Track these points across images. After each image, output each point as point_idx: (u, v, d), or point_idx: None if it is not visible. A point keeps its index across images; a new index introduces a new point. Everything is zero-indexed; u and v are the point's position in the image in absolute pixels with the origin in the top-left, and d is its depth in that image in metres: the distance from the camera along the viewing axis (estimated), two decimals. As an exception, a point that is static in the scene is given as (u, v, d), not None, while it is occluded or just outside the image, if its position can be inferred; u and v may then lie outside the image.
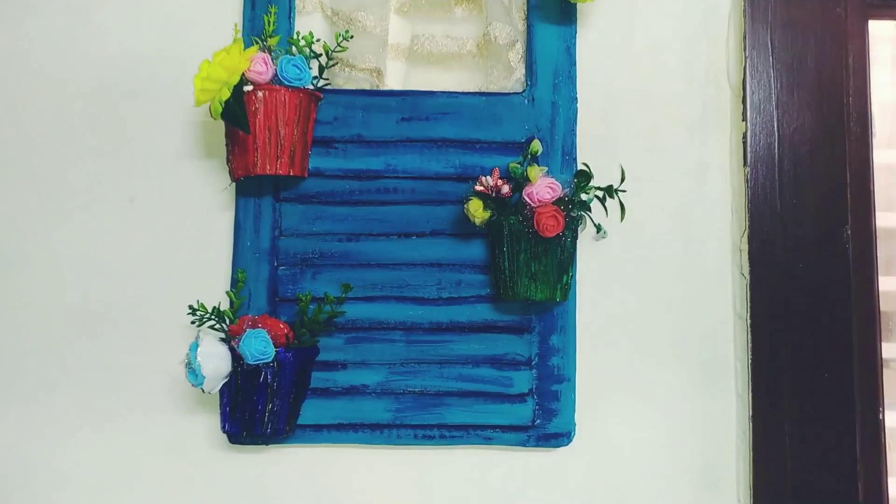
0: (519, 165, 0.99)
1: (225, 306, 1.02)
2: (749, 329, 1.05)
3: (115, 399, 1.05)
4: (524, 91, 1.05)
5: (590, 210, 0.99)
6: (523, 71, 1.07)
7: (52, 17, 1.12)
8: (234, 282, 1.03)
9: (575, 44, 1.08)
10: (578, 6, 1.09)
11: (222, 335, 0.98)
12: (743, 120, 1.11)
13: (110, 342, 1.05)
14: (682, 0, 1.13)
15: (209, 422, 1.04)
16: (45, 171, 1.10)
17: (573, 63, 1.08)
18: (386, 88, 1.08)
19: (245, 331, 0.92)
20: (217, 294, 1.05)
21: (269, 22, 1.03)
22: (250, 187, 1.05)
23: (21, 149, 1.10)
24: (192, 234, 1.07)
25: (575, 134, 1.06)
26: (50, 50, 1.11)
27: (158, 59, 1.11)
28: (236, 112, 0.96)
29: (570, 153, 1.07)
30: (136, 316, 1.06)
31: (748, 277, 1.07)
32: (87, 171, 1.08)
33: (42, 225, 1.08)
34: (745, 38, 1.12)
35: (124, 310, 1.06)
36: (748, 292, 1.05)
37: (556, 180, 0.97)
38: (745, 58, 1.12)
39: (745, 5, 1.12)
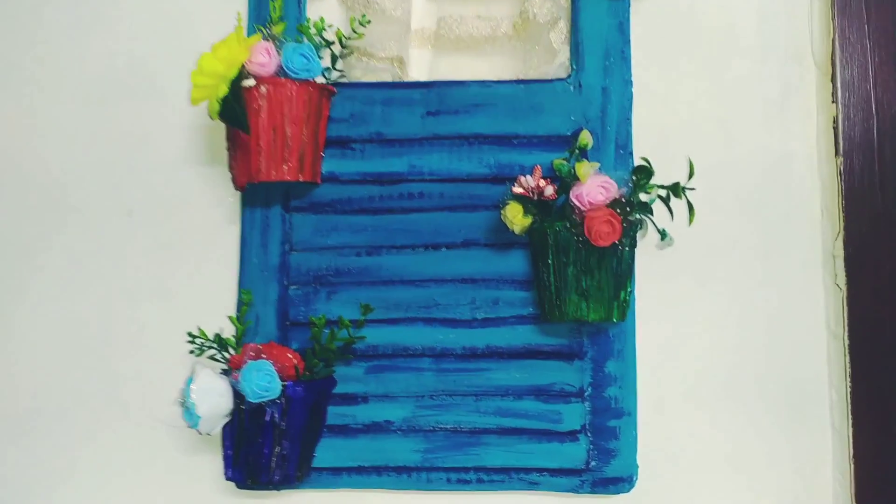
0: (565, 162, 0.84)
1: (229, 332, 0.89)
2: (846, 350, 0.90)
3: (110, 436, 0.96)
4: (569, 76, 0.94)
5: (651, 213, 0.84)
6: (568, 53, 0.96)
7: (42, 13, 1.02)
8: (240, 304, 0.91)
9: (628, 19, 0.95)
10: (632, -25, 0.94)
11: (224, 366, 0.85)
12: (833, 101, 0.95)
13: (105, 372, 0.97)
14: (754, -36, 0.96)
15: (215, 463, 0.92)
16: (37, 181, 1.00)
17: (627, 42, 0.94)
18: (409, 80, 0.98)
19: (246, 362, 0.80)
20: (222, 318, 0.93)
21: (274, 7, 0.91)
22: (257, 197, 0.94)
23: (8, 156, 1.00)
24: (195, 251, 0.98)
25: (630, 124, 0.93)
26: (41, 48, 1.02)
27: (158, 55, 1.01)
28: (235, 110, 0.84)
29: (624, 146, 0.92)
30: (134, 343, 0.97)
31: (844, 289, 0.91)
32: (83, 181, 1.00)
33: (32, 241, 0.99)
34: (833, 4, 0.95)
35: (120, 336, 0.97)
36: (845, 307, 0.91)
37: (611, 178, 0.81)
38: (834, 28, 0.95)
39: (831, -34, 0.95)
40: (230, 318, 0.89)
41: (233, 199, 0.96)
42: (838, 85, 0.94)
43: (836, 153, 0.93)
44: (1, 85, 1.01)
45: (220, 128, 0.94)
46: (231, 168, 0.91)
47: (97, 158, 1.00)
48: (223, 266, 0.96)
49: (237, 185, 0.90)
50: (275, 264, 0.94)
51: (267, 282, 0.93)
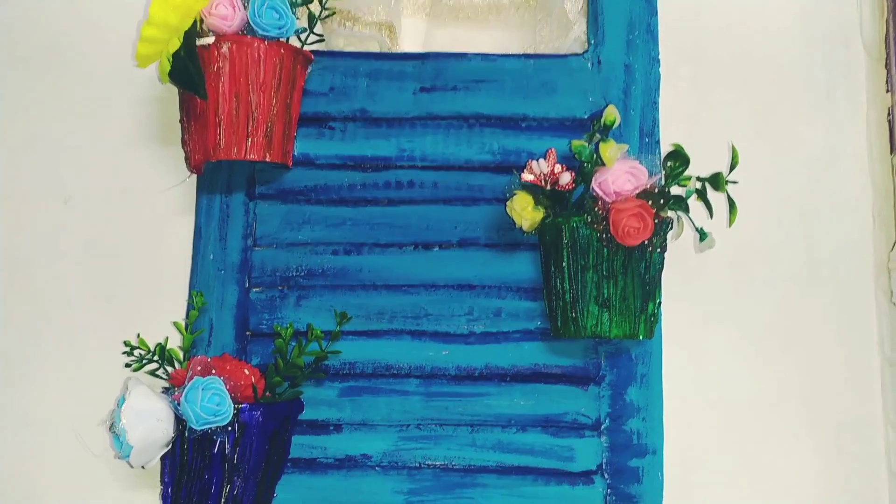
0: (584, 143, 0.70)
1: (176, 342, 0.74)
2: None
3: (28, 463, 0.82)
4: (587, 51, 0.84)
5: (687, 208, 0.70)
6: (584, 25, 0.86)
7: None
8: (190, 308, 0.76)
9: (655, -12, 0.83)
10: (660, -62, 0.82)
11: (165, 384, 0.70)
12: (888, 91, 0.85)
13: (28, 384, 0.83)
14: (795, -70, 0.86)
15: (152, 503, 0.76)
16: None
17: (654, 13, 0.84)
18: (400, 51, 0.87)
19: (191, 379, 0.64)
20: (169, 325, 0.78)
21: (242, -42, 0.77)
22: (216, 181, 0.82)
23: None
24: (140, 244, 0.86)
25: (657, 108, 0.84)
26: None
27: (102, 10, 0.88)
28: (189, 70, 0.70)
29: (650, 133, 0.81)
30: (63, 352, 0.84)
31: (903, 307, 0.78)
32: (10, 161, 0.87)
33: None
34: (886, -20, 0.83)
35: (48, 343, 0.84)
36: None
37: (641, 163, 0.68)
38: (888, 7, 0.84)
39: (884, -64, 0.84)
40: (175, 324, 0.74)
41: (186, 182, 0.82)
42: (893, 71, 0.84)
43: (892, 150, 0.83)
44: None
45: (173, 100, 0.80)
46: (184, 144, 0.77)
47: (28, 134, 0.86)
48: (173, 263, 0.83)
49: (191, 164, 0.76)
50: (234, 262, 0.81)
51: (224, 283, 0.80)
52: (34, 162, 0.86)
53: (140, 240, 0.84)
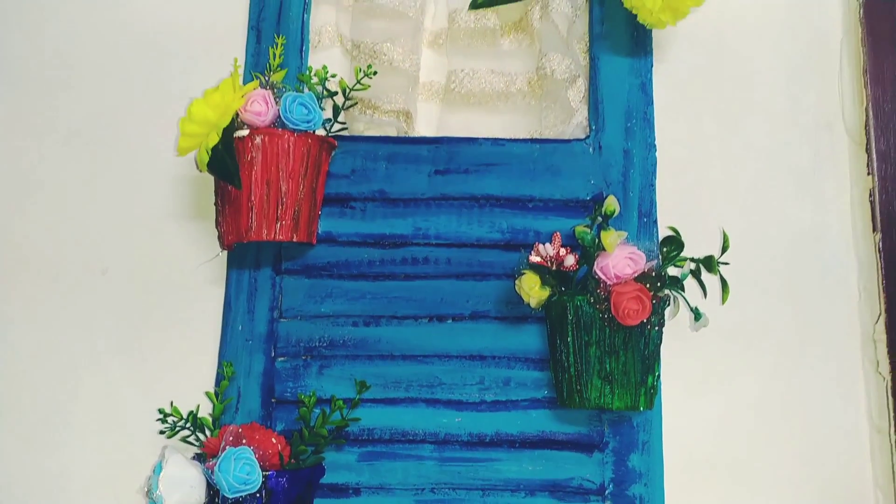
0: (587, 230, 0.76)
1: (206, 410, 0.79)
2: (893, 448, 0.81)
3: None
4: (588, 137, 0.88)
5: (683, 289, 0.76)
6: (586, 112, 0.91)
7: (25, 55, 0.95)
8: (220, 378, 0.81)
9: (651, 79, 0.90)
10: (654, 34, 0.89)
11: (198, 450, 0.75)
12: (868, 173, 0.88)
13: (67, 449, 0.86)
14: (780, 24, 0.94)
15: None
16: (2, 234, 0.90)
17: (650, 102, 0.89)
18: (416, 135, 0.92)
19: (223, 449, 0.69)
20: (199, 392, 0.83)
21: (274, 55, 0.84)
22: (246, 256, 0.86)
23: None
24: (173, 315, 0.89)
25: (654, 190, 0.87)
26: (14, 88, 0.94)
27: (144, 100, 0.94)
28: (226, 162, 0.76)
29: (648, 214, 0.85)
30: (99, 418, 0.87)
31: (888, 378, 0.83)
32: (52, 234, 0.91)
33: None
34: (865, 71, 0.90)
35: (84, 410, 0.87)
36: (889, 398, 0.83)
37: (639, 249, 0.73)
38: (868, 97, 0.90)
39: (863, 32, 0.91)
40: (208, 394, 0.79)
41: (217, 258, 0.87)
42: (874, 156, 0.89)
43: (874, 229, 0.87)
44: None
45: (207, 179, 0.86)
46: (218, 225, 0.82)
47: (70, 209, 0.91)
48: (203, 333, 0.87)
49: (224, 244, 0.82)
50: (261, 333, 0.84)
51: (252, 352, 0.84)
52: (75, 234, 0.90)
53: (172, 309, 0.88)
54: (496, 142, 0.88)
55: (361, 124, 0.92)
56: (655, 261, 0.76)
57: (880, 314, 0.85)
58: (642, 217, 0.86)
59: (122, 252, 0.90)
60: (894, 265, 0.86)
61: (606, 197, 0.78)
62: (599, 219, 0.78)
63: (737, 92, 0.92)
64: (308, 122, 0.80)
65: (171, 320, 0.88)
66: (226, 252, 0.86)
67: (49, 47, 0.95)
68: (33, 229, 0.91)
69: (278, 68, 0.84)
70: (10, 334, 0.88)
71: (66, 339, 0.88)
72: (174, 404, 0.78)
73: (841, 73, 0.92)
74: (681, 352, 0.83)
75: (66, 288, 0.89)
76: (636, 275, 0.73)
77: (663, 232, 0.84)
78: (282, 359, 0.84)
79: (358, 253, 0.86)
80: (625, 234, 0.75)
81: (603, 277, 0.74)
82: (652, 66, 0.89)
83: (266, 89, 0.80)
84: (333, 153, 0.86)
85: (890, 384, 0.83)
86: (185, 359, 0.86)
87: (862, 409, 0.85)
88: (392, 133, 0.91)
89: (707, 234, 0.83)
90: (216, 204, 0.83)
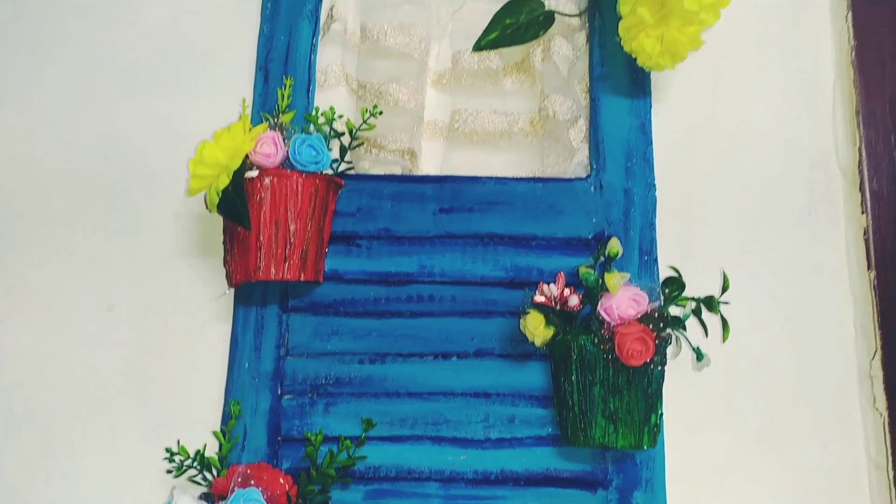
0: (591, 270, 0.78)
1: (213, 449, 0.79)
2: (891, 483, 0.81)
3: None
4: (589, 176, 0.90)
5: (685, 329, 0.77)
6: (587, 152, 0.92)
7: (35, 92, 0.96)
8: (226, 416, 0.81)
9: (650, 120, 0.92)
10: (653, 75, 0.92)
11: (205, 489, 0.75)
12: (862, 213, 0.90)
13: (71, 487, 0.86)
14: (775, 67, 0.96)
15: None
16: (7, 268, 0.91)
17: (649, 142, 0.91)
18: (420, 173, 0.93)
19: (233, 490, 0.70)
20: (206, 430, 0.83)
21: (282, 96, 0.86)
22: (252, 294, 0.87)
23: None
24: (180, 352, 0.90)
25: (654, 229, 0.89)
26: (22, 127, 0.95)
27: (152, 139, 0.95)
28: (235, 204, 0.77)
29: (649, 252, 0.87)
30: (105, 457, 0.87)
31: (885, 414, 0.84)
32: (59, 271, 0.91)
33: (2, 338, 0.89)
34: (857, 113, 0.92)
35: (89, 448, 0.87)
36: (887, 433, 0.83)
37: (642, 290, 0.75)
38: (860, 137, 0.92)
39: (854, 74, 0.93)
40: (215, 433, 0.79)
41: (225, 295, 0.88)
42: (867, 195, 0.91)
43: (869, 267, 0.89)
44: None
45: (215, 216, 0.86)
46: (226, 263, 0.83)
47: (77, 245, 0.92)
48: (210, 370, 0.87)
49: (232, 282, 0.82)
50: (268, 370, 0.85)
51: (258, 390, 0.84)
52: (81, 271, 0.91)
53: (179, 346, 0.88)
54: (499, 180, 0.89)
55: (367, 162, 0.93)
56: (658, 301, 0.77)
57: (876, 351, 0.87)
58: (643, 255, 0.87)
59: (129, 288, 0.90)
60: (889, 303, 0.88)
61: (608, 236, 0.80)
62: (602, 258, 0.80)
63: (734, 132, 0.94)
64: (316, 163, 0.81)
65: (178, 357, 0.88)
66: (232, 289, 0.87)
67: (57, 82, 0.96)
68: (40, 264, 0.91)
69: (286, 109, 0.86)
70: (16, 369, 0.88)
71: (73, 375, 0.88)
72: (181, 443, 0.78)
73: (834, 114, 0.95)
74: (682, 389, 0.83)
75: (72, 323, 0.90)
76: (639, 315, 0.75)
77: (664, 269, 0.86)
78: (288, 396, 0.84)
79: (364, 291, 0.86)
80: (627, 275, 0.76)
81: (607, 318, 0.75)
82: (651, 106, 0.91)
83: (275, 131, 0.82)
84: (340, 192, 0.88)
85: (887, 420, 0.84)
86: (192, 396, 0.86)
87: (860, 445, 0.86)
88: (397, 171, 0.92)
89: (706, 271, 0.84)
90: (224, 243, 0.84)
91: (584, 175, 0.90)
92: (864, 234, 0.90)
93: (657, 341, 0.75)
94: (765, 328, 0.88)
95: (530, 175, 0.93)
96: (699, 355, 0.77)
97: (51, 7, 0.98)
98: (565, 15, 0.93)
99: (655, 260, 0.87)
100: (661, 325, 0.75)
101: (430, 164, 0.94)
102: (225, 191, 0.77)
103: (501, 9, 0.92)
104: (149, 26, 0.97)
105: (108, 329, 0.90)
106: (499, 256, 0.87)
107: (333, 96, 0.95)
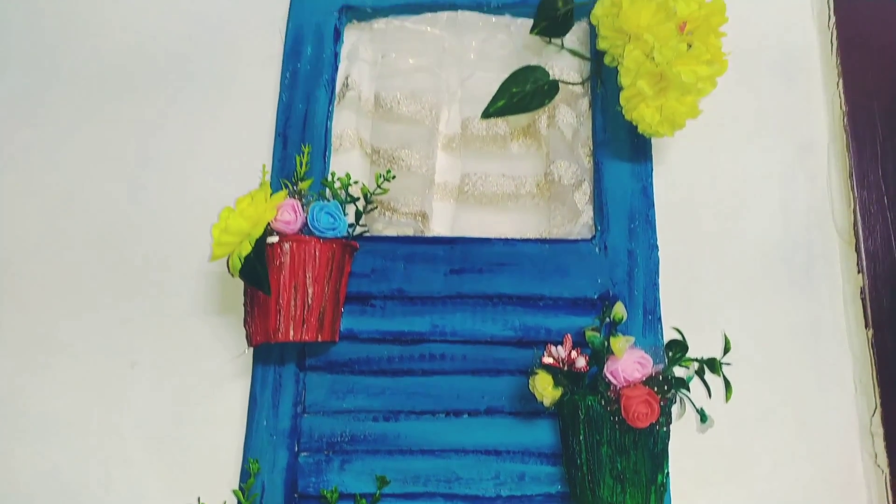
0: (596, 333, 0.81)
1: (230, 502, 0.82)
2: None
3: None
4: (594, 237, 0.92)
5: (689, 390, 0.80)
6: (591, 213, 0.95)
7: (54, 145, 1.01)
8: (245, 474, 0.84)
9: (651, 183, 0.95)
10: (654, 140, 0.96)
11: (224, 548, 0.77)
12: (859, 272, 0.93)
13: None
14: (771, 131, 1.00)
15: None
16: (33, 327, 0.94)
17: (651, 205, 0.94)
18: (431, 234, 0.97)
19: (253, 549, 0.72)
20: (224, 485, 0.86)
21: (300, 163, 0.90)
22: (271, 353, 0.90)
23: (7, 299, 0.95)
24: (200, 410, 0.92)
25: (657, 288, 0.91)
26: (51, 188, 0.99)
27: (172, 199, 0.99)
28: (257, 270, 0.80)
29: (653, 311, 0.90)
30: None
31: (886, 471, 0.86)
32: (82, 329, 0.95)
33: (26, 396, 0.92)
34: (851, 175, 0.96)
35: (113, 501, 0.89)
36: (888, 490, 0.85)
37: (646, 352, 0.78)
38: (854, 199, 0.95)
39: (847, 138, 0.97)
40: (234, 491, 0.82)
41: (244, 354, 0.91)
42: (863, 255, 0.94)
43: (866, 325, 0.92)
44: (4, 223, 0.98)
45: (233, 276, 0.90)
46: (246, 325, 0.86)
47: (101, 303, 0.95)
48: (229, 428, 0.89)
49: (252, 342, 0.86)
50: (285, 428, 0.87)
51: (276, 447, 0.87)
52: (106, 329, 0.94)
53: (199, 404, 0.90)
54: (507, 242, 0.92)
55: (381, 224, 0.96)
56: (662, 363, 0.80)
57: (876, 407, 0.89)
58: (647, 314, 0.90)
59: (151, 346, 0.93)
60: (887, 360, 0.90)
61: (613, 296, 0.83)
62: (608, 320, 0.83)
63: (733, 194, 0.97)
64: (333, 229, 0.85)
65: (198, 415, 0.90)
66: (251, 348, 0.90)
67: (85, 148, 1.01)
68: (66, 322, 0.94)
69: (305, 176, 0.90)
70: (40, 426, 0.91)
71: (95, 432, 0.91)
72: (201, 500, 0.81)
73: (829, 177, 0.99)
74: (687, 448, 0.85)
75: (96, 380, 0.92)
76: (644, 378, 0.78)
77: (667, 327, 0.89)
78: (305, 454, 0.86)
79: (378, 350, 0.89)
80: (632, 339, 0.79)
81: (613, 381, 0.78)
82: (652, 170, 0.95)
83: (294, 198, 0.86)
84: (355, 254, 0.91)
85: (888, 477, 0.86)
86: (211, 453, 0.88)
87: (863, 502, 0.88)
88: (409, 232, 0.95)
89: (708, 330, 0.88)
90: (245, 304, 0.87)
91: (589, 236, 0.93)
92: (861, 293, 0.93)
93: (662, 403, 0.78)
94: (767, 386, 0.90)
95: (537, 236, 0.96)
96: (703, 417, 0.80)
97: (76, 82, 1.03)
98: (569, 83, 0.98)
99: (659, 319, 0.90)
100: (666, 387, 0.78)
101: (440, 224, 0.98)
102: (247, 257, 0.80)
103: (508, 78, 0.97)
104: (173, 93, 1.02)
105: (131, 386, 0.92)
106: (508, 316, 0.89)
107: (348, 159, 1.00)
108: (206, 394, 0.91)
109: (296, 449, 0.87)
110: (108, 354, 0.94)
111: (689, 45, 0.85)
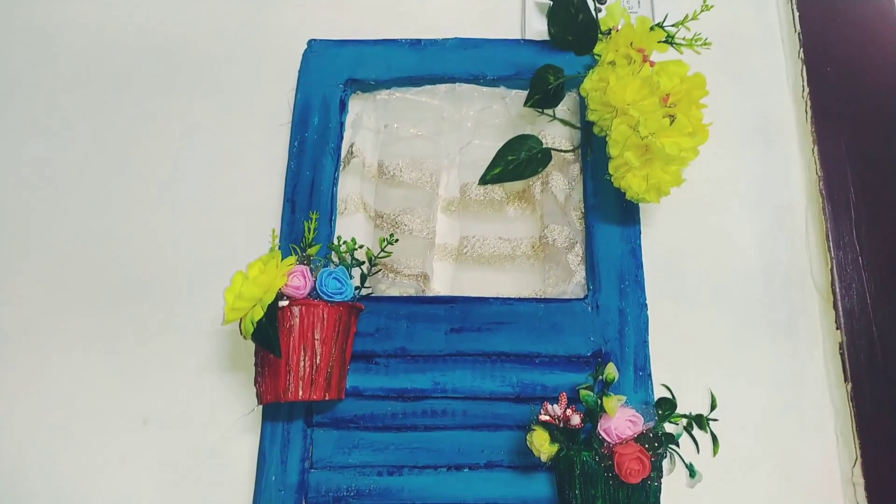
0: (591, 393, 0.85)
1: (243, 559, 0.85)
2: None
3: None
4: (587, 297, 0.97)
5: (678, 445, 0.84)
6: (584, 273, 0.99)
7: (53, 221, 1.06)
8: (256, 529, 0.87)
9: (640, 245, 1.00)
10: (641, 205, 1.01)
11: None
12: (837, 328, 0.98)
13: None
14: (751, 195, 1.06)
15: None
16: (44, 384, 0.98)
17: (640, 266, 0.99)
18: (432, 293, 1.01)
19: None
20: (233, 540, 0.89)
21: (308, 229, 0.95)
22: (279, 410, 0.94)
23: (15, 356, 0.99)
24: (210, 465, 0.95)
25: (647, 346, 0.95)
26: (61, 242, 1.04)
27: (185, 259, 1.04)
28: (268, 334, 0.85)
29: (643, 368, 0.94)
30: None
31: (869, 520, 0.89)
32: (96, 385, 0.98)
33: (38, 453, 0.95)
34: (827, 237, 1.02)
35: None
36: None
37: (637, 411, 0.83)
38: (831, 259, 1.01)
39: (823, 202, 1.03)
40: (245, 548, 0.85)
41: (254, 411, 0.95)
42: (840, 312, 0.99)
43: (846, 379, 0.96)
44: (4, 287, 1.03)
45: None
46: (257, 383, 0.91)
47: (114, 360, 0.99)
48: (238, 483, 0.93)
49: (262, 401, 0.90)
50: (293, 483, 0.91)
51: (284, 502, 0.90)
52: (119, 387, 0.97)
53: (209, 459, 0.94)
54: (505, 301, 0.97)
55: (384, 284, 1.01)
56: (652, 420, 0.85)
57: (857, 458, 0.93)
58: (637, 371, 0.94)
59: (163, 403, 0.97)
60: (866, 413, 0.95)
61: (605, 353, 0.87)
62: (601, 380, 0.88)
63: (716, 254, 1.02)
64: (341, 293, 0.90)
65: (208, 470, 0.94)
66: (260, 405, 0.94)
67: (101, 203, 1.06)
68: (77, 380, 0.98)
69: (313, 242, 0.95)
70: (53, 481, 0.94)
71: (108, 488, 0.94)
72: (213, 556, 0.84)
73: (807, 238, 1.04)
74: (677, 501, 0.89)
75: (107, 436, 0.96)
76: (636, 435, 0.82)
77: (657, 384, 0.93)
78: (312, 508, 0.90)
79: (382, 406, 0.93)
80: (623, 398, 0.84)
81: (606, 438, 0.82)
82: (640, 233, 1.00)
83: (303, 263, 0.91)
84: (360, 314, 0.96)
85: (870, 527, 0.90)
86: (220, 506, 0.92)
87: (848, 552, 0.92)
88: (411, 292, 1.00)
89: (696, 383, 0.93)
90: (256, 364, 0.91)
91: (582, 296, 0.98)
92: (840, 348, 0.98)
93: (653, 458, 0.82)
94: (752, 439, 0.94)
95: (532, 295, 1.01)
96: (692, 472, 0.84)
97: (89, 148, 1.09)
98: (561, 151, 1.05)
99: (649, 375, 0.94)
100: (656, 444, 0.82)
101: (441, 283, 1.03)
102: (259, 322, 0.85)
103: (504, 146, 1.03)
104: (190, 154, 1.08)
105: (142, 442, 0.95)
106: (506, 373, 0.93)
107: (352, 222, 1.05)
108: (217, 450, 0.95)
109: (304, 503, 0.90)
110: (120, 411, 0.97)
111: (672, 119, 0.92)
